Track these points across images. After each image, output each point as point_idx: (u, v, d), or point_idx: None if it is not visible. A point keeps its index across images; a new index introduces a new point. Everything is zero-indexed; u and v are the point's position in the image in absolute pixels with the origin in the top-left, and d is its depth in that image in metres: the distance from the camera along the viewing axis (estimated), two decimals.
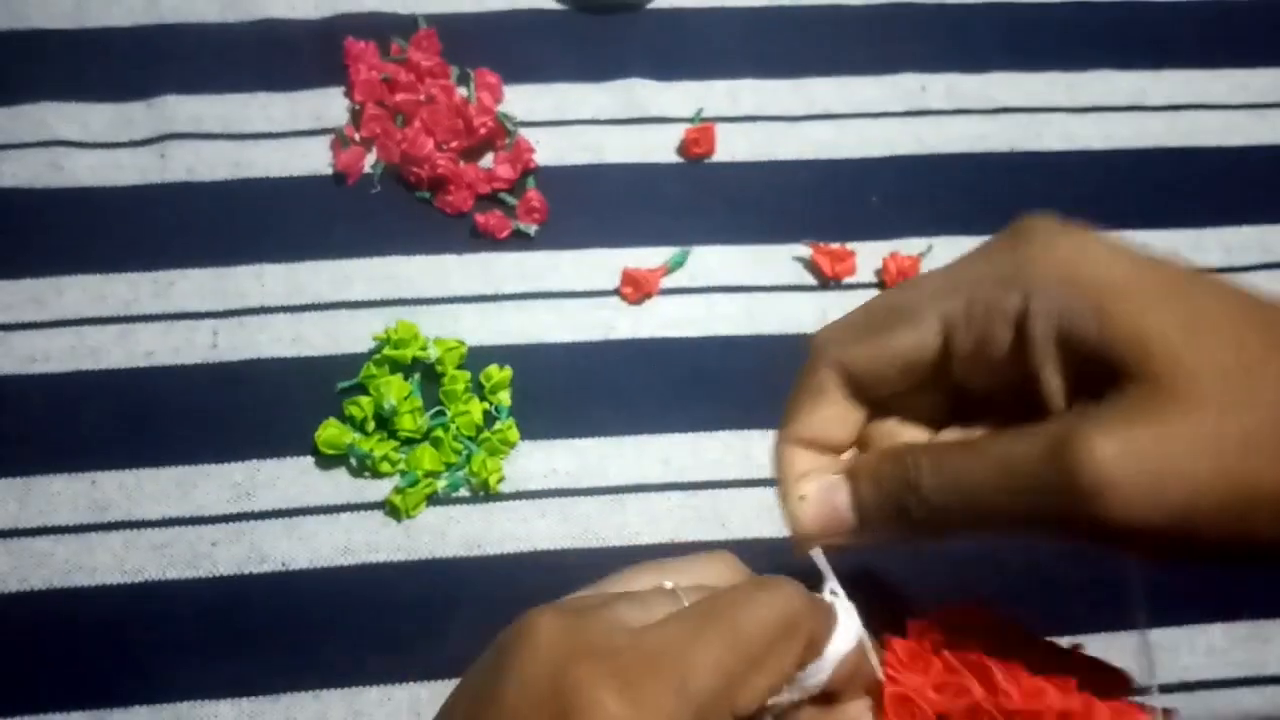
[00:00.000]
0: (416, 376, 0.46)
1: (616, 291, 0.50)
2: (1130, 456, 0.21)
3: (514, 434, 0.46)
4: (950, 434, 0.28)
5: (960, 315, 0.25)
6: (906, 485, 0.25)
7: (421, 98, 0.52)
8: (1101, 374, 0.23)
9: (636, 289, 0.49)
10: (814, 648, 0.26)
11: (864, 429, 0.28)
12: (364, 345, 0.47)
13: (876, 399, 0.28)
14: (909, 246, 0.51)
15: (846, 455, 0.29)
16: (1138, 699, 0.27)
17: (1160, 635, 0.43)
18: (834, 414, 0.27)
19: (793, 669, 0.26)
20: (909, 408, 0.28)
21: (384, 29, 0.54)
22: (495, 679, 0.24)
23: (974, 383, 0.26)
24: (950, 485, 0.24)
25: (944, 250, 0.52)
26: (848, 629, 0.27)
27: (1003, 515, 0.23)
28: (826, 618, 0.27)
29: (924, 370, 0.26)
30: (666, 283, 0.50)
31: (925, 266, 0.51)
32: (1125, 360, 0.22)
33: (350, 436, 0.45)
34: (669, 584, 0.28)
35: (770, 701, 0.26)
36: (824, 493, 0.27)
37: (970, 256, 0.26)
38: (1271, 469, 0.21)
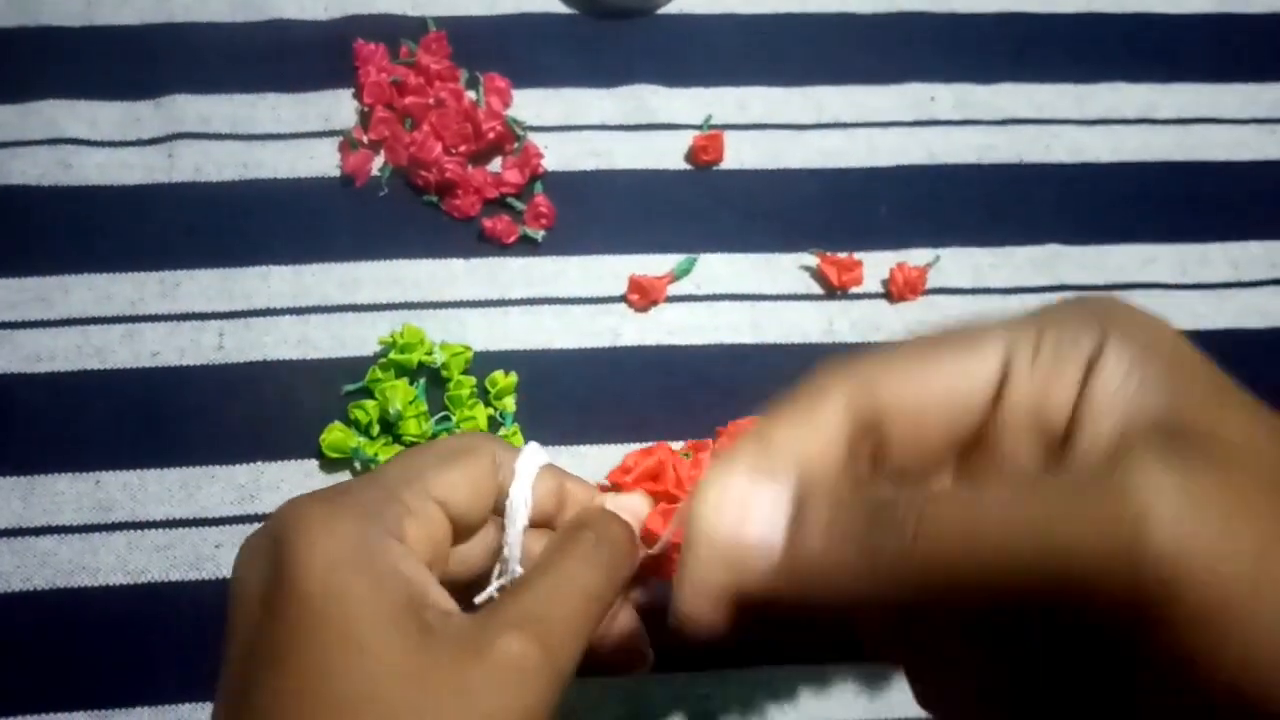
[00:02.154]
0: (422, 381, 0.46)
1: (623, 298, 0.50)
2: (1193, 495, 0.17)
3: (519, 440, 0.46)
4: None
5: (1029, 344, 0.20)
6: (892, 520, 0.18)
7: (430, 101, 0.52)
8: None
9: (643, 296, 0.49)
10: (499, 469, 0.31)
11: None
12: (370, 348, 0.47)
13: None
14: (916, 257, 0.51)
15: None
16: None
17: None
18: (819, 447, 0.20)
19: (488, 484, 0.30)
20: None
21: (394, 31, 0.54)
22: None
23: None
24: (958, 529, 0.18)
25: (951, 261, 0.51)
26: (534, 452, 0.32)
27: (1014, 573, 0.18)
28: (506, 446, 0.32)
29: (965, 426, 0.20)
30: (673, 290, 0.50)
31: (933, 277, 0.51)
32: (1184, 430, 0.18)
33: (355, 440, 0.45)
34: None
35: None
36: (752, 501, 0.19)
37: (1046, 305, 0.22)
38: None
